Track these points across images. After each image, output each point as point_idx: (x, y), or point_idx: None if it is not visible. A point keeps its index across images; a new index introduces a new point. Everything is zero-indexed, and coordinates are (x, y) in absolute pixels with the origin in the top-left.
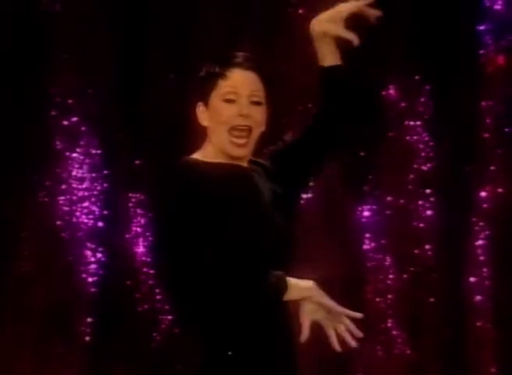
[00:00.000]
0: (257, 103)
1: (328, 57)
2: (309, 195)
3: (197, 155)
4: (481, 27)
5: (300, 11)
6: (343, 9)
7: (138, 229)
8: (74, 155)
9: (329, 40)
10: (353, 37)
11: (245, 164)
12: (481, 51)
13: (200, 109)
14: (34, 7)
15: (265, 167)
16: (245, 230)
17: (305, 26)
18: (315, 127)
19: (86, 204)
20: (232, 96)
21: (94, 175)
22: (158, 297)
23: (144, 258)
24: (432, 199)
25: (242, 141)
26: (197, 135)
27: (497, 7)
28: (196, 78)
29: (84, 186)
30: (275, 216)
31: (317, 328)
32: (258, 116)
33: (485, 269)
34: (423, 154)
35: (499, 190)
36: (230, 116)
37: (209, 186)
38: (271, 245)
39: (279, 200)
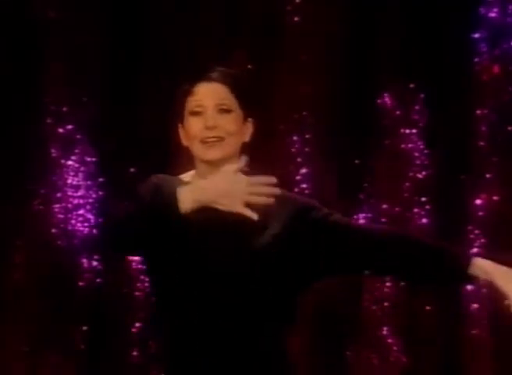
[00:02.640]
0: (227, 111)
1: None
2: None
3: (184, 175)
4: (476, 35)
5: (296, 19)
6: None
7: None
8: (69, 162)
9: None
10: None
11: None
12: (475, 60)
13: (181, 131)
14: (28, 14)
15: (280, 199)
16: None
17: (300, 34)
18: (382, 259)
19: (81, 212)
20: (198, 109)
21: (89, 183)
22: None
23: (139, 266)
24: (427, 207)
25: (213, 140)
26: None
27: (492, 15)
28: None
29: (79, 194)
30: (241, 244)
31: (310, 338)
32: (228, 125)
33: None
34: (418, 162)
35: (495, 198)
36: (198, 129)
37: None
38: (204, 287)
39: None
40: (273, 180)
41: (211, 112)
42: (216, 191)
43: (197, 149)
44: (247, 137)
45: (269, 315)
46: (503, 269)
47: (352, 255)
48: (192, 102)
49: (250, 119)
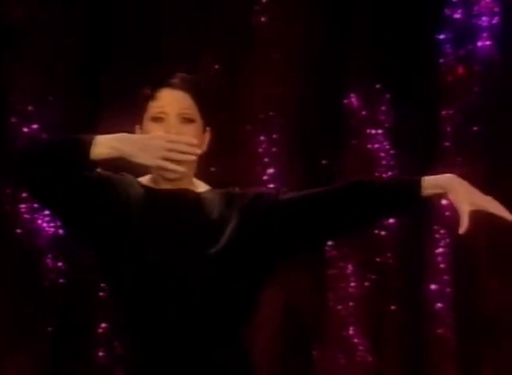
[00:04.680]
0: (189, 120)
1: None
2: None
3: (141, 178)
4: (441, 36)
5: (263, 19)
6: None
7: None
8: None
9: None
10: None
11: (189, 186)
12: (441, 60)
13: (138, 133)
14: None
15: (234, 197)
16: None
17: (267, 34)
18: (334, 205)
19: (47, 212)
20: (161, 115)
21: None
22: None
23: None
24: None
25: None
26: None
27: (457, 16)
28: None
29: None
30: (198, 244)
31: (276, 338)
32: (190, 135)
33: (445, 277)
34: (384, 162)
35: None
36: None
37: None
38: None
39: (234, 233)
40: (193, 140)
41: (173, 120)
42: (135, 143)
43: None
44: (204, 147)
45: (231, 314)
46: (457, 181)
47: (311, 221)
48: (154, 108)
49: (208, 129)
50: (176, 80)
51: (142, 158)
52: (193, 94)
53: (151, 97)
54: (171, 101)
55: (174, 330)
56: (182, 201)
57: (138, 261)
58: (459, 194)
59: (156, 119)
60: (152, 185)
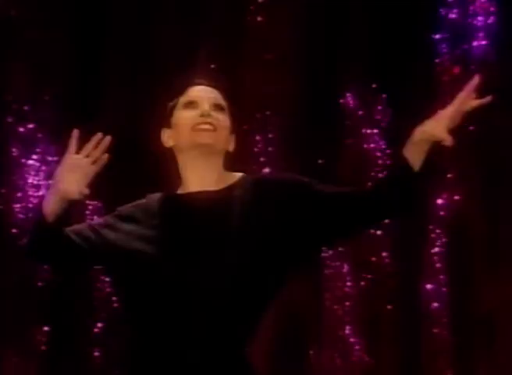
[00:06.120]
0: (221, 108)
1: (418, 162)
2: None
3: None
4: (437, 36)
5: (259, 18)
6: (444, 117)
7: None
8: (30, 162)
9: (426, 146)
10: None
11: (216, 184)
12: (436, 60)
13: (165, 134)
14: None
15: (266, 184)
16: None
17: (263, 34)
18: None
19: None
20: (194, 99)
21: (50, 182)
22: (114, 305)
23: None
24: None
25: (206, 127)
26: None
27: (452, 16)
28: (158, 113)
29: (40, 193)
30: (219, 250)
31: (273, 338)
32: (222, 119)
33: (441, 277)
34: (380, 161)
35: (456, 197)
36: (190, 117)
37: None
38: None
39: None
40: (105, 138)
41: (206, 105)
42: (61, 178)
43: (188, 135)
44: (231, 147)
45: (247, 323)
46: (420, 128)
47: (346, 217)
48: (186, 98)
49: (233, 134)
50: (204, 80)
51: (76, 185)
52: (224, 93)
53: (181, 93)
54: (203, 91)
55: (192, 338)
56: (205, 204)
57: (157, 272)
58: (429, 130)
59: (188, 105)
60: (181, 191)
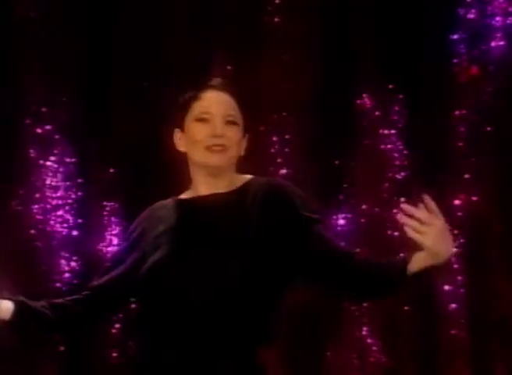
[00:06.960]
0: (233, 123)
1: (416, 266)
2: None
3: (183, 195)
4: (455, 36)
5: (276, 19)
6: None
7: (113, 237)
8: (48, 163)
9: (430, 262)
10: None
11: (225, 187)
12: (454, 61)
13: (178, 136)
14: (7, 14)
15: (275, 191)
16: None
17: (280, 35)
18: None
19: (60, 212)
20: (206, 115)
21: (68, 183)
22: (132, 306)
23: None
24: None
25: (218, 149)
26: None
27: (470, 16)
28: (171, 108)
29: (58, 194)
30: (227, 253)
31: (290, 338)
32: (233, 136)
33: (459, 278)
34: (397, 162)
35: (473, 198)
36: (205, 136)
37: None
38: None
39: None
40: None
41: (218, 122)
42: None
43: (201, 154)
44: (242, 151)
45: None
46: (432, 250)
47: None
48: (199, 108)
49: (246, 135)
50: (219, 83)
51: None
52: (236, 97)
53: (195, 97)
54: (216, 102)
55: (206, 340)
56: (217, 206)
57: (174, 274)
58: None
59: (201, 120)
60: (190, 195)
